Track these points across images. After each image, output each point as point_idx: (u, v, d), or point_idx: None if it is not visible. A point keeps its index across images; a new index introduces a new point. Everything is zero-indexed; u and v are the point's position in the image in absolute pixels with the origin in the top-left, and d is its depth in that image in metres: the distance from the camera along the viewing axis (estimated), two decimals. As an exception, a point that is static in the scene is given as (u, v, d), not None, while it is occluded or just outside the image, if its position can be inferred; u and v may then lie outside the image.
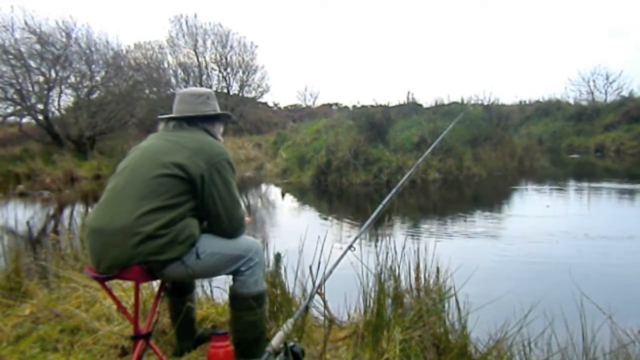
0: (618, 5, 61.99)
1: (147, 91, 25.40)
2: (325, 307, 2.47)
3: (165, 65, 27.98)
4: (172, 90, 26.60)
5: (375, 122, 13.74)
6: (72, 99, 20.32)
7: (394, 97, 42.12)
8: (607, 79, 29.32)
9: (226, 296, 2.46)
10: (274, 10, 66.52)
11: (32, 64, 18.53)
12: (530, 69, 59.80)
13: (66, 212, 10.73)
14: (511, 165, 14.14)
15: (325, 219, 8.69)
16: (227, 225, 2.12)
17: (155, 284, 2.64)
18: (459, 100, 16.40)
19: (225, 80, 28.82)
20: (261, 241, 2.38)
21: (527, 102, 29.86)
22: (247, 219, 2.27)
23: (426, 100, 21.26)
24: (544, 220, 7.57)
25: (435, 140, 4.50)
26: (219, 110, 2.33)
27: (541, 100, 28.57)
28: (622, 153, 19.25)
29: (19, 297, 3.25)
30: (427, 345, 2.27)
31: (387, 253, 2.69)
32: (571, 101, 28.22)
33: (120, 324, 2.76)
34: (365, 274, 2.62)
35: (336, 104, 39.64)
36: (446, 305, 2.55)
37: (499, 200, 10.16)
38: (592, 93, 29.60)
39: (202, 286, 3.07)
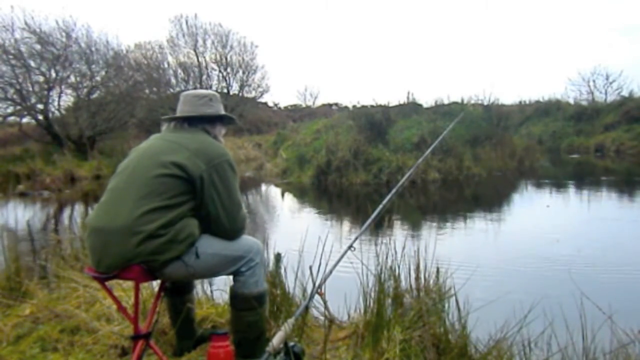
0: (618, 6, 62.00)
1: (147, 91, 25.36)
2: (325, 307, 2.48)
3: (165, 65, 27.94)
4: (172, 90, 26.58)
5: (375, 122, 13.74)
6: (72, 99, 20.33)
7: (394, 97, 42.04)
8: (607, 79, 29.35)
9: (226, 296, 2.46)
10: (274, 10, 66.65)
11: (32, 64, 18.54)
12: (530, 69, 59.85)
13: (66, 212, 10.73)
14: (511, 165, 14.14)
15: (325, 219, 8.69)
16: (228, 227, 2.12)
17: (155, 284, 2.64)
18: (459, 100, 16.38)
19: (225, 80, 28.80)
20: (261, 241, 2.38)
21: (527, 102, 29.86)
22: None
23: (426, 100, 21.24)
24: (543, 220, 7.57)
25: (435, 140, 4.49)
26: (221, 112, 2.33)
27: (541, 100, 28.56)
28: (622, 153, 19.23)
29: (19, 297, 3.26)
30: (427, 345, 2.27)
31: (387, 253, 2.69)
32: (571, 101, 28.21)
33: (120, 324, 2.75)
34: (365, 274, 2.62)
35: (336, 104, 39.64)
36: (446, 305, 2.55)
37: (498, 201, 10.16)
38: (592, 93, 29.61)
39: (202, 286, 3.07)
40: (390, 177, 11.79)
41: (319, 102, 43.00)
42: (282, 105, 41.42)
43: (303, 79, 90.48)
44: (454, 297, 2.47)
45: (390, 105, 15.81)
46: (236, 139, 24.97)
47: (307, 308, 2.42)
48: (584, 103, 27.15)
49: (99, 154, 18.71)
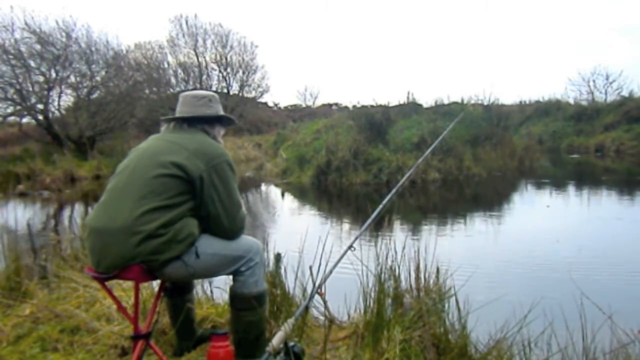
0: (618, 6, 62.00)
1: (147, 91, 25.36)
2: (325, 307, 2.48)
3: (165, 65, 27.96)
4: (172, 90, 26.58)
5: (375, 122, 13.73)
6: (72, 99, 20.32)
7: (394, 97, 42.02)
8: (607, 79, 29.34)
9: (226, 296, 2.46)
10: (274, 10, 66.73)
11: (32, 64, 18.53)
12: (530, 69, 59.86)
13: (66, 212, 10.73)
14: (511, 165, 14.13)
15: (325, 219, 8.69)
16: (228, 227, 2.12)
17: (155, 284, 2.64)
18: (459, 100, 16.37)
19: (225, 80, 28.81)
20: (261, 241, 2.37)
21: (527, 102, 29.85)
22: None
23: (426, 100, 21.25)
24: (543, 220, 7.57)
25: (435, 140, 4.50)
26: (221, 113, 2.34)
27: (541, 100, 28.56)
28: (622, 153, 19.22)
29: (19, 297, 3.26)
30: (427, 345, 2.27)
31: (387, 253, 2.69)
32: (571, 101, 28.20)
33: (120, 324, 2.76)
34: (365, 274, 2.62)
35: (336, 104, 39.65)
36: (446, 305, 2.55)
37: (498, 201, 10.16)
38: (592, 93, 29.60)
39: (202, 286, 3.07)
40: (390, 177, 11.79)
41: (319, 102, 43.10)
42: (282, 105, 41.52)
43: (303, 79, 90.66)
44: (454, 297, 2.47)
45: (390, 105, 15.81)
46: (236, 139, 24.97)
47: (307, 308, 2.42)
48: (584, 103, 27.15)
49: (99, 154, 18.71)
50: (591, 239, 6.14)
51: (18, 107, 19.04)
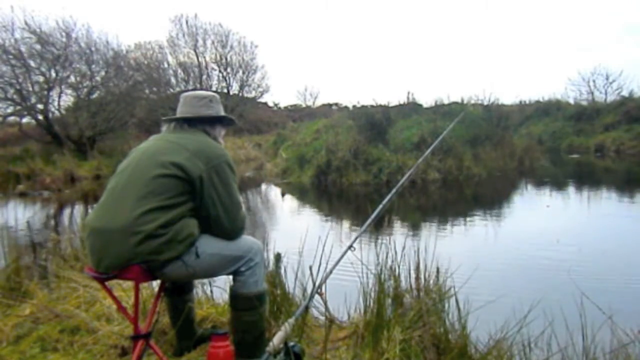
0: (619, 5, 62.00)
1: (147, 91, 25.35)
2: (326, 307, 2.48)
3: (165, 65, 27.92)
4: (172, 90, 26.58)
5: (375, 122, 13.74)
6: (72, 99, 20.28)
7: (394, 97, 41.76)
8: (607, 79, 29.25)
9: (226, 296, 2.46)
10: (274, 10, 66.68)
11: (32, 64, 18.50)
12: (530, 69, 59.83)
13: (66, 212, 10.73)
14: (511, 165, 14.14)
15: (325, 219, 8.69)
16: (228, 227, 2.12)
17: (155, 284, 2.64)
18: (459, 100, 16.38)
19: (225, 80, 28.80)
20: (261, 241, 2.38)
21: (527, 102, 29.82)
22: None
23: (426, 100, 21.23)
24: (543, 220, 7.57)
25: (435, 140, 4.50)
26: (222, 114, 2.34)
27: (541, 100, 28.54)
28: (622, 153, 19.21)
29: (19, 297, 3.25)
30: (427, 345, 2.27)
31: (387, 253, 2.69)
32: (571, 101, 28.19)
33: (120, 324, 2.76)
34: (365, 274, 2.62)
35: (336, 104, 39.62)
36: (446, 305, 2.55)
37: (498, 201, 10.16)
38: (592, 93, 29.53)
39: (202, 286, 3.07)
40: (390, 177, 11.79)
41: (319, 102, 43.06)
42: (282, 105, 41.43)
43: (303, 79, 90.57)
44: (454, 297, 2.47)
45: (390, 105, 15.80)
46: (236, 139, 24.94)
47: (307, 308, 2.42)
48: (584, 103, 27.13)
49: (99, 154, 18.67)
50: (591, 239, 6.14)
51: (18, 107, 19.02)
